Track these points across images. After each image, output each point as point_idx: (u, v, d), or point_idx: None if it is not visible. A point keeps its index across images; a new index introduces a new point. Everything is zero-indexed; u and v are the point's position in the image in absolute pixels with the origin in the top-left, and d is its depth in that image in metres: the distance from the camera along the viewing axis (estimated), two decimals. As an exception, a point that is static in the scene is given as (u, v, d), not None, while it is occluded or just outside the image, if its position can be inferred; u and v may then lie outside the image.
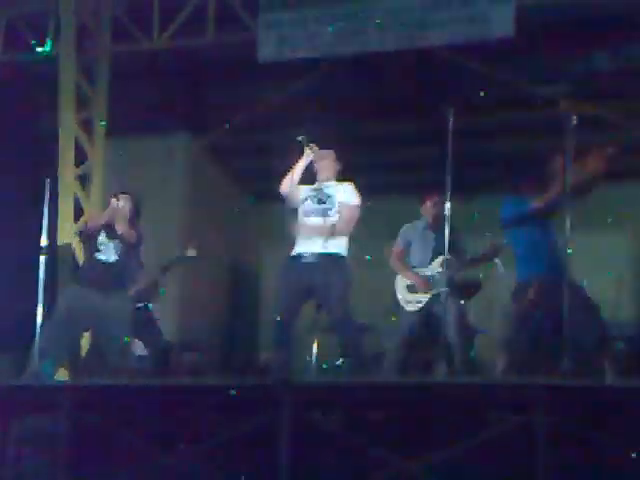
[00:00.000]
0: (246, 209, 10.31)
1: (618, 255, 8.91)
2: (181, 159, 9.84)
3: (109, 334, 5.90)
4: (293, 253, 5.68)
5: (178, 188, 9.75)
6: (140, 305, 6.72)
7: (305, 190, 5.77)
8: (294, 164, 5.80)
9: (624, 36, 8.15)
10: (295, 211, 5.78)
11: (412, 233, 6.53)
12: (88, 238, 6.11)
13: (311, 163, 5.82)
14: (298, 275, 5.57)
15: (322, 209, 5.64)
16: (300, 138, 5.76)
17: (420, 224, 6.56)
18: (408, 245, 6.52)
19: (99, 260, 5.94)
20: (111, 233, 5.99)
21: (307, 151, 5.75)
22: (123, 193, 6.08)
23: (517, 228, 5.52)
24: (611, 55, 8.40)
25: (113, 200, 6.02)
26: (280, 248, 6.03)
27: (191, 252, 6.84)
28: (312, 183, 5.83)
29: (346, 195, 5.69)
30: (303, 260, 5.58)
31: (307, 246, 5.61)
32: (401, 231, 6.58)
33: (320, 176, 5.79)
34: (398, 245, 6.54)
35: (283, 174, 5.85)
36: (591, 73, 8.42)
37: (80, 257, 6.25)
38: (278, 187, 5.87)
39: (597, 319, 5.32)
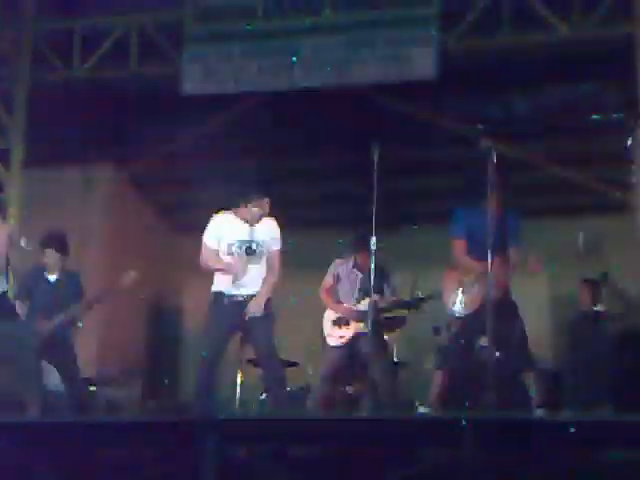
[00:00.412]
0: (167, 242, 10.19)
1: (537, 295, 9.09)
2: (101, 191, 9.68)
3: (14, 365, 5.72)
4: (217, 289, 5.63)
5: (98, 220, 9.56)
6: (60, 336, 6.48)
7: (232, 236, 5.69)
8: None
9: (542, 82, 8.43)
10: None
11: (342, 268, 6.57)
12: None
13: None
14: (226, 311, 5.59)
15: (255, 257, 5.64)
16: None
17: (350, 261, 6.60)
18: (338, 280, 6.55)
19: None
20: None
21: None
22: (48, 246, 6.26)
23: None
24: (529, 100, 8.67)
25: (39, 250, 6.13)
26: (202, 282, 5.95)
27: (127, 280, 6.56)
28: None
29: (272, 239, 5.69)
30: (232, 299, 5.60)
31: (236, 285, 5.62)
32: (331, 266, 6.61)
33: (253, 221, 5.70)
34: (328, 279, 6.56)
35: (204, 207, 5.81)
36: (510, 117, 8.68)
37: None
38: (200, 219, 5.83)
39: (526, 350, 5.41)
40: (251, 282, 5.60)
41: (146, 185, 10.07)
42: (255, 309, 5.53)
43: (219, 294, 5.63)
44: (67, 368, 6.48)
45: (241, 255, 5.61)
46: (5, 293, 5.86)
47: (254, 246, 5.61)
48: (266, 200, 5.71)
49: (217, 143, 8.74)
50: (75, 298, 6.43)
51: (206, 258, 5.67)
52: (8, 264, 5.82)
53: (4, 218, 8.10)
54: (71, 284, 6.49)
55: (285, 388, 5.66)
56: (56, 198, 9.11)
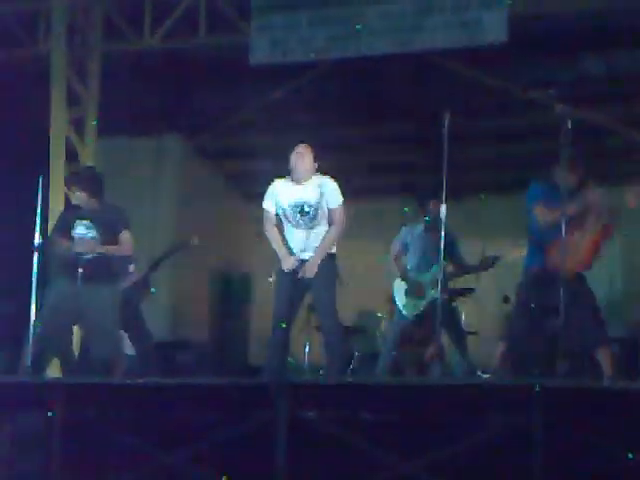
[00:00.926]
0: (235, 210, 10.32)
1: (609, 256, 8.97)
2: (171, 160, 9.83)
3: (96, 326, 5.86)
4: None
5: (168, 189, 9.73)
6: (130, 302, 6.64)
7: (285, 199, 5.65)
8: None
9: (614, 45, 8.24)
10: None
11: (410, 236, 6.56)
12: (63, 233, 5.99)
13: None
14: (289, 276, 5.59)
15: (306, 220, 5.59)
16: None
17: (418, 227, 6.58)
18: (406, 248, 6.55)
19: (79, 254, 5.85)
20: (87, 221, 5.91)
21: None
22: (75, 185, 6.11)
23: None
24: (603, 63, 8.48)
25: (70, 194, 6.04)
26: (269, 249, 6.01)
27: (191, 242, 6.69)
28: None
29: (331, 196, 5.61)
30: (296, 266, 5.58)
31: (297, 251, 5.61)
32: (399, 234, 6.61)
33: (298, 174, 5.62)
34: (396, 247, 6.56)
35: (273, 176, 5.81)
36: (581, 78, 8.50)
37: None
38: (265, 188, 5.85)
39: (598, 318, 5.34)
40: (310, 247, 5.58)
41: (214, 154, 10.18)
42: (309, 270, 5.50)
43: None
44: (137, 333, 6.64)
45: (297, 220, 5.58)
46: (94, 258, 5.94)
47: (306, 208, 5.55)
48: (303, 146, 5.61)
49: (284, 112, 8.78)
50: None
51: (266, 227, 5.70)
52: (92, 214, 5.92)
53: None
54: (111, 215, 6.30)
55: (338, 352, 5.60)
56: (127, 167, 9.29)
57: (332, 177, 5.70)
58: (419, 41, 7.94)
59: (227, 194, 10.55)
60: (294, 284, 5.56)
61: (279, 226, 5.69)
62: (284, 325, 5.54)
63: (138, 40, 8.63)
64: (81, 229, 5.93)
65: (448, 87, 8.44)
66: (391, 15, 8.03)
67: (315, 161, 5.65)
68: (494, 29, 7.65)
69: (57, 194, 8.19)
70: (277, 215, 5.67)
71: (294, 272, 5.56)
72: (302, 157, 5.59)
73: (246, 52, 8.24)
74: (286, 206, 5.62)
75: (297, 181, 5.62)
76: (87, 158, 8.59)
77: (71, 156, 8.49)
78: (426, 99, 8.40)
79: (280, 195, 5.65)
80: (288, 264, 5.56)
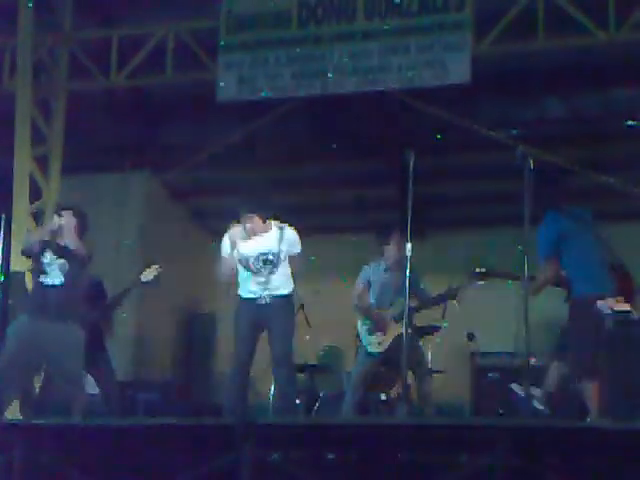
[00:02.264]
0: (200, 246, 10.27)
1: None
2: (136, 196, 9.78)
3: (62, 366, 5.73)
4: (244, 295, 5.76)
5: (132, 225, 9.66)
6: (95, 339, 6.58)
7: (247, 251, 5.76)
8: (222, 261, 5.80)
9: (576, 84, 8.38)
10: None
11: (373, 273, 6.56)
12: (33, 258, 5.85)
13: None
14: (251, 315, 5.69)
15: (269, 267, 5.71)
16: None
17: (381, 264, 6.58)
18: (369, 285, 6.55)
19: (45, 284, 5.70)
20: (57, 251, 5.72)
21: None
22: (64, 209, 5.90)
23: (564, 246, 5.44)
24: (562, 103, 8.63)
25: (55, 217, 5.81)
26: (234, 286, 6.02)
27: (149, 274, 6.70)
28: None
29: (290, 244, 5.75)
30: (255, 302, 5.70)
31: (257, 291, 5.73)
32: (362, 272, 6.61)
33: (254, 234, 5.76)
34: (359, 285, 6.56)
35: (237, 220, 5.84)
36: (542, 120, 8.63)
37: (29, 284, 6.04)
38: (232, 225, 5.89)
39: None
40: (273, 286, 5.71)
41: (180, 191, 10.15)
42: None
43: (243, 299, 5.75)
44: (100, 371, 6.55)
45: (259, 268, 5.70)
46: (60, 287, 5.80)
47: (270, 257, 5.70)
48: (251, 216, 5.74)
49: (250, 149, 8.80)
50: (100, 301, 6.56)
51: (224, 270, 5.80)
52: (67, 253, 5.78)
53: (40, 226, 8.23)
54: (95, 290, 6.60)
55: (289, 399, 5.70)
56: (92, 204, 9.21)
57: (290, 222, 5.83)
58: (385, 80, 8.05)
59: (193, 231, 10.51)
60: (253, 325, 5.61)
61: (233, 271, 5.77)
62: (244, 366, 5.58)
63: (104, 78, 8.65)
64: (49, 257, 5.76)
65: (414, 125, 8.52)
66: (357, 54, 8.13)
67: (265, 219, 5.79)
68: (458, 70, 7.78)
69: (20, 232, 8.11)
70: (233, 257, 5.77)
71: (251, 314, 5.63)
72: (252, 222, 5.73)
73: (213, 89, 8.29)
74: (249, 256, 5.71)
75: (256, 235, 5.77)
76: (51, 196, 8.54)
77: (35, 194, 8.43)
78: (392, 137, 8.47)
79: (240, 245, 5.75)
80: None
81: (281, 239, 5.73)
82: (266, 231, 5.76)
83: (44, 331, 5.63)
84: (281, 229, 5.77)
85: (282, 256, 5.70)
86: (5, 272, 5.88)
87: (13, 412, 6.49)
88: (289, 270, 5.75)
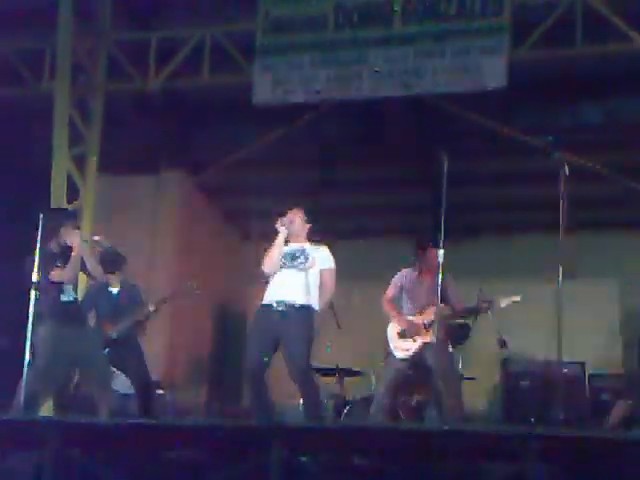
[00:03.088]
0: (233, 247, 10.32)
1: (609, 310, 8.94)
2: (171, 197, 9.85)
3: (88, 366, 5.91)
4: (265, 302, 5.71)
5: (167, 225, 9.73)
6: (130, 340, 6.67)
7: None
8: (271, 243, 5.79)
9: (613, 91, 8.31)
10: None
11: (405, 279, 6.54)
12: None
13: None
14: (268, 323, 5.61)
15: (297, 263, 5.69)
16: (275, 217, 5.78)
17: (414, 270, 6.55)
18: (400, 291, 6.52)
19: (62, 301, 5.89)
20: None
21: (281, 229, 5.77)
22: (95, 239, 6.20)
23: None
24: (598, 109, 8.56)
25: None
26: (265, 288, 6.02)
27: (187, 290, 6.82)
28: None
29: (323, 259, 5.74)
30: (273, 309, 5.62)
31: (278, 295, 5.65)
32: (395, 277, 6.58)
33: (293, 238, 5.79)
34: (390, 290, 6.54)
35: (274, 215, 5.87)
36: (579, 126, 8.57)
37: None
38: (269, 227, 5.92)
39: None
40: (293, 292, 5.62)
41: (213, 191, 10.22)
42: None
43: (262, 306, 5.71)
44: (135, 372, 6.63)
45: (285, 262, 5.69)
46: (76, 300, 6.02)
47: (298, 254, 5.69)
48: (294, 211, 5.80)
49: (284, 151, 8.84)
50: (136, 307, 6.71)
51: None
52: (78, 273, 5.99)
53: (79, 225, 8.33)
54: (132, 295, 6.78)
55: (312, 401, 5.63)
56: (130, 204, 9.32)
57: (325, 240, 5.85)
58: (420, 85, 8.03)
59: (226, 231, 10.56)
60: (268, 334, 5.58)
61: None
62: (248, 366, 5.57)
63: (142, 80, 8.74)
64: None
65: (448, 129, 8.50)
66: (393, 58, 8.12)
67: (305, 222, 5.81)
68: (494, 75, 7.74)
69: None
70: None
71: (271, 316, 5.61)
72: (292, 222, 5.76)
73: (249, 92, 8.33)
74: (285, 250, 5.75)
75: (293, 240, 5.79)
76: (88, 195, 8.63)
77: (72, 193, 8.53)
78: (426, 141, 8.45)
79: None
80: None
81: (314, 249, 5.75)
82: (300, 241, 5.79)
83: (68, 334, 5.78)
84: (316, 244, 5.80)
85: (310, 261, 5.67)
86: (44, 271, 5.98)
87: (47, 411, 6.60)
88: (317, 284, 5.69)
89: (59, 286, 5.88)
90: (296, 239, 5.79)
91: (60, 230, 5.93)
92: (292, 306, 5.56)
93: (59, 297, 5.87)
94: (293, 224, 5.76)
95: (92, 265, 5.94)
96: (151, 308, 6.73)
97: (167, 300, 6.90)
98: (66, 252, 5.89)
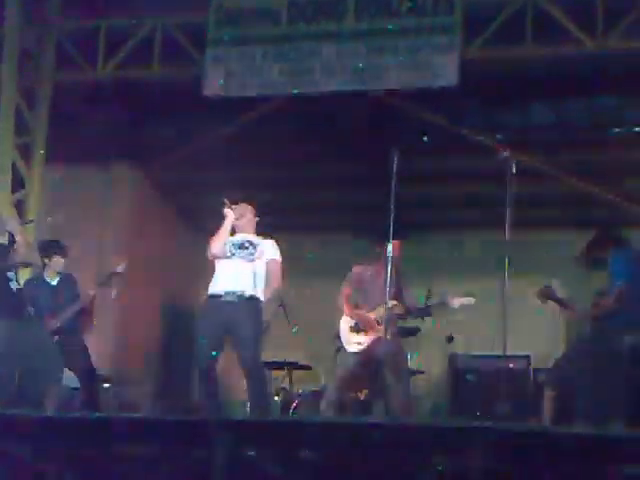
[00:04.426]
0: (185, 243, 10.23)
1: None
2: (119, 189, 9.73)
3: (37, 367, 5.77)
4: (213, 292, 5.72)
5: (116, 218, 9.61)
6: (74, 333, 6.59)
7: (230, 238, 5.87)
8: (219, 227, 5.82)
9: (563, 91, 8.42)
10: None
11: (361, 275, 6.54)
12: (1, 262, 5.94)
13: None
14: (217, 314, 5.63)
15: (245, 253, 5.74)
16: (223, 200, 5.81)
17: (369, 266, 6.55)
18: (356, 286, 6.53)
19: (11, 289, 5.79)
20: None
21: (229, 213, 5.79)
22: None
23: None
24: (548, 109, 8.67)
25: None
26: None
27: (120, 267, 6.75)
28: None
29: (269, 250, 5.82)
30: (222, 299, 5.64)
31: (227, 285, 5.67)
32: (351, 272, 6.58)
33: (241, 232, 5.88)
34: (347, 286, 6.54)
35: (212, 232, 5.90)
36: (528, 125, 8.67)
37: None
38: (216, 222, 5.91)
39: None
40: (241, 283, 5.65)
41: (164, 186, 10.12)
42: None
43: (211, 296, 5.71)
44: (79, 365, 6.54)
45: (233, 252, 5.74)
46: (19, 291, 5.90)
47: (246, 244, 5.74)
48: (243, 205, 5.89)
49: (236, 146, 8.78)
50: (75, 298, 6.64)
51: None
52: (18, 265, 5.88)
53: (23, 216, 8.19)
54: (69, 286, 6.69)
55: (265, 400, 5.71)
56: (78, 195, 9.18)
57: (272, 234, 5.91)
58: (372, 81, 8.04)
59: (176, 225, 10.47)
60: (218, 325, 5.60)
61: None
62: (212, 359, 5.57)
63: (91, 69, 8.61)
64: None
65: (399, 127, 8.53)
66: (346, 54, 8.12)
67: (255, 216, 5.92)
68: (445, 73, 7.79)
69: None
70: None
71: (216, 314, 5.61)
72: (242, 215, 5.85)
73: (200, 83, 8.25)
74: (227, 242, 5.80)
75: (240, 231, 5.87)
76: (34, 185, 8.48)
77: (17, 183, 8.38)
78: (377, 138, 8.47)
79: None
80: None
81: (262, 241, 5.83)
82: (251, 233, 5.84)
83: (18, 330, 5.67)
84: (261, 239, 5.87)
85: (258, 252, 5.71)
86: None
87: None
88: (263, 275, 5.72)
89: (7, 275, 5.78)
90: (244, 231, 5.81)
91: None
92: (241, 296, 5.58)
93: (9, 286, 5.80)
94: (243, 217, 5.79)
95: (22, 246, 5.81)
96: (91, 292, 6.65)
97: (104, 282, 6.81)
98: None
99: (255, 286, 5.64)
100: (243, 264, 5.68)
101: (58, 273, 6.69)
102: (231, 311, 5.57)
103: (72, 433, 4.96)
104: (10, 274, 5.84)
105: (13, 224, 5.95)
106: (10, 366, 5.81)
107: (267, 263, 5.73)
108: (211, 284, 5.74)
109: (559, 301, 5.79)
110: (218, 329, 5.61)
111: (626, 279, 5.44)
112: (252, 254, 5.70)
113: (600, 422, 4.99)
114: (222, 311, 5.60)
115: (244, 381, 5.75)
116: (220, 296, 5.63)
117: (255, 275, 5.65)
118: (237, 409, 6.74)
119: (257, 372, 5.63)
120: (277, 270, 5.77)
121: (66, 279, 6.73)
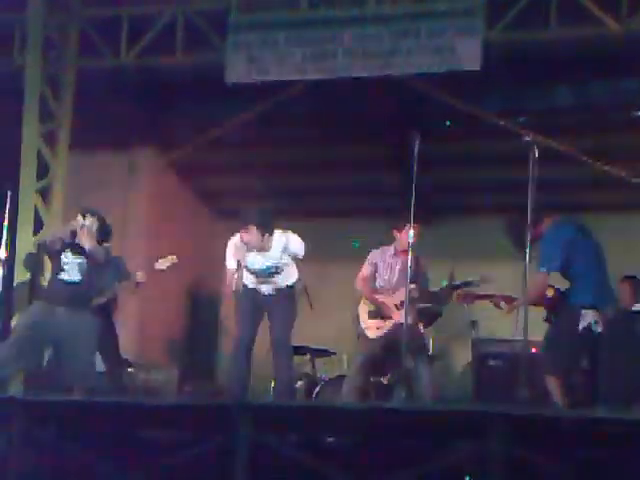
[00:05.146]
0: (209, 227, 10.29)
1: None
2: (145, 175, 9.79)
3: (74, 353, 5.84)
4: (248, 285, 5.98)
5: (139, 203, 9.68)
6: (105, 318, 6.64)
7: (255, 264, 6.00)
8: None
9: (586, 74, 8.34)
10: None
11: (379, 258, 6.54)
12: (51, 255, 6.01)
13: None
14: (255, 300, 5.92)
15: (269, 273, 5.98)
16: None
17: (390, 249, 6.54)
18: (375, 269, 6.53)
19: (63, 280, 5.86)
20: (77, 250, 5.91)
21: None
22: (89, 212, 6.02)
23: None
24: (571, 92, 8.59)
25: (79, 217, 5.94)
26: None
27: (164, 263, 6.78)
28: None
29: (294, 252, 5.95)
30: (259, 293, 6.01)
31: (260, 285, 6.06)
32: (369, 255, 6.58)
33: (259, 251, 5.98)
34: (365, 269, 6.54)
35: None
36: (552, 108, 8.60)
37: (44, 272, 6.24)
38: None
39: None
40: (270, 282, 6.02)
41: (186, 170, 10.17)
42: None
43: (247, 288, 5.96)
44: (108, 349, 6.61)
45: (265, 277, 5.99)
46: (81, 282, 5.92)
47: (273, 269, 5.97)
48: (250, 228, 5.92)
49: (257, 130, 8.80)
50: (119, 279, 6.64)
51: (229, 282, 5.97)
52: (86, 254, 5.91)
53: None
54: (115, 267, 6.67)
55: (288, 383, 5.84)
56: (100, 181, 9.25)
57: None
58: (394, 65, 8.01)
59: (198, 211, 10.52)
60: (255, 309, 5.75)
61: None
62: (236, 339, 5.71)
63: (114, 56, 8.65)
64: (69, 256, 5.93)
65: (422, 110, 8.50)
66: (367, 38, 8.10)
67: (264, 233, 5.94)
68: (469, 56, 7.74)
69: (27, 209, 8.13)
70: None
71: (253, 300, 5.77)
72: (249, 233, 5.91)
73: (222, 70, 8.27)
74: (253, 268, 5.98)
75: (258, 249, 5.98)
76: (58, 172, 8.55)
77: (42, 171, 8.45)
78: (398, 122, 8.45)
79: (246, 258, 5.97)
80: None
81: (285, 250, 5.96)
82: (266, 246, 5.93)
83: (60, 314, 5.76)
84: (285, 238, 5.95)
85: (287, 262, 5.97)
86: (12, 251, 5.95)
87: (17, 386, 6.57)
88: (293, 266, 5.91)
89: (60, 266, 5.83)
90: (261, 249, 5.87)
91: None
92: (277, 289, 5.96)
93: (58, 276, 5.86)
94: (251, 242, 5.85)
95: (92, 246, 5.89)
96: (139, 278, 6.65)
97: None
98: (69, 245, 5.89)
99: (286, 278, 5.98)
100: (273, 277, 6.01)
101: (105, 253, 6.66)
102: (266, 298, 5.95)
103: (99, 417, 5.03)
104: (65, 264, 5.85)
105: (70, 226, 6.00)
106: (34, 343, 5.85)
107: (296, 260, 5.99)
108: (245, 277, 5.89)
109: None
110: (254, 312, 5.94)
111: (562, 262, 5.39)
112: (281, 272, 5.95)
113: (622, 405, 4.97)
114: (257, 297, 5.96)
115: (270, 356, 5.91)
116: (256, 290, 5.99)
117: (286, 275, 5.97)
118: (261, 387, 6.77)
119: (287, 353, 5.93)
120: (299, 266, 6.03)
121: (112, 260, 6.73)
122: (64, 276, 5.86)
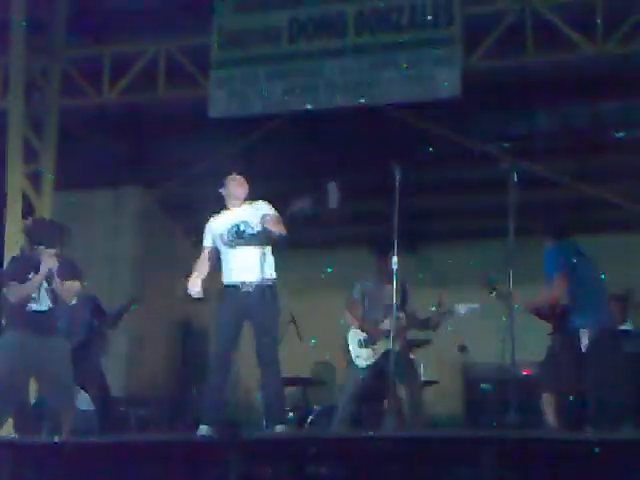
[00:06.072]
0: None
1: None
2: (129, 212, 9.80)
3: (54, 379, 5.78)
4: (228, 282, 5.62)
5: (126, 241, 9.68)
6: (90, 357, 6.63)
7: (220, 226, 5.71)
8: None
9: (565, 97, 8.44)
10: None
11: (367, 287, 6.54)
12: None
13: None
14: (235, 301, 5.57)
15: (246, 236, 5.60)
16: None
17: (375, 279, 6.55)
18: (363, 298, 6.53)
19: (34, 310, 5.78)
20: (47, 279, 5.83)
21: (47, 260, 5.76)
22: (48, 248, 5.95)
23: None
24: (551, 116, 8.69)
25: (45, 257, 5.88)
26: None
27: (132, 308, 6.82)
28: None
29: (262, 210, 5.66)
30: (239, 289, 5.56)
31: (240, 276, 5.58)
32: (357, 284, 6.59)
33: (234, 198, 5.78)
34: (353, 297, 6.55)
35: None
36: (532, 133, 8.69)
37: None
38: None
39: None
40: (252, 272, 5.55)
41: (173, 207, 10.18)
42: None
43: (227, 286, 5.63)
44: (96, 388, 6.58)
45: (232, 240, 5.61)
46: (49, 309, 5.88)
47: (242, 227, 5.61)
48: (239, 176, 5.80)
49: (240, 166, 8.83)
50: (93, 318, 6.63)
51: (201, 258, 5.74)
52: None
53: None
54: (88, 306, 6.68)
55: (278, 406, 5.53)
56: (86, 220, 9.26)
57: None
58: (375, 95, 8.10)
59: (186, 247, 10.52)
60: (235, 313, 5.53)
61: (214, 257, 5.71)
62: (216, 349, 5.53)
63: (97, 95, 8.70)
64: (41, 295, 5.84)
65: (404, 139, 8.56)
66: (348, 69, 8.19)
67: (240, 186, 5.82)
68: (448, 85, 7.84)
69: (12, 250, 8.11)
70: (215, 247, 5.70)
71: (234, 302, 5.56)
72: (239, 184, 5.79)
73: (205, 106, 8.33)
74: (223, 231, 5.66)
75: (232, 206, 5.74)
76: (44, 212, 8.55)
77: (28, 211, 8.45)
78: (381, 151, 8.51)
79: (214, 228, 5.72)
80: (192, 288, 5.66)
81: (254, 210, 5.66)
82: (241, 205, 5.73)
83: (32, 344, 5.69)
84: (254, 203, 5.72)
85: (255, 227, 5.59)
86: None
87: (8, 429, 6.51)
88: (271, 256, 5.63)
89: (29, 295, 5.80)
90: (235, 203, 5.74)
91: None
92: (258, 285, 5.51)
93: (28, 307, 5.77)
94: (240, 187, 5.76)
95: (60, 288, 5.85)
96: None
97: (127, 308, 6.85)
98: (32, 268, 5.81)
99: (266, 270, 5.55)
100: (248, 252, 5.57)
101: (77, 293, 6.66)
102: (248, 299, 5.51)
103: (86, 457, 4.99)
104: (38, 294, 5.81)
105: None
106: (18, 378, 5.80)
107: (266, 216, 5.58)
108: (224, 275, 5.66)
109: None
110: (237, 316, 5.55)
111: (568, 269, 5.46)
112: (251, 233, 5.60)
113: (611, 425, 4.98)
114: (240, 299, 5.53)
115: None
116: (236, 286, 5.56)
117: (264, 258, 5.57)
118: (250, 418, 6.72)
119: (273, 361, 5.51)
120: (277, 220, 5.57)
121: (86, 299, 6.73)
122: (33, 306, 5.78)
